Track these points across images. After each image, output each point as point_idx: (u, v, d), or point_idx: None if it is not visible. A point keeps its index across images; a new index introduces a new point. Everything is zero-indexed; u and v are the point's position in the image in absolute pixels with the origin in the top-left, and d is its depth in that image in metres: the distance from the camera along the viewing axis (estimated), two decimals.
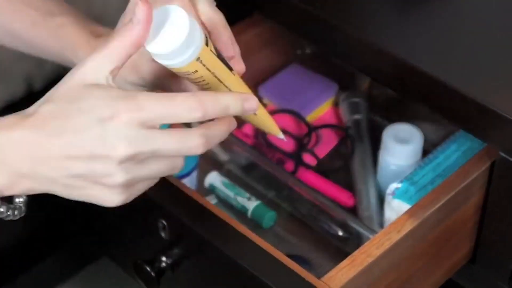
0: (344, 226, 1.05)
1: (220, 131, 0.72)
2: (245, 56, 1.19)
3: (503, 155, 0.94)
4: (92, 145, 0.70)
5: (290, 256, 0.88)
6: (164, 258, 0.92)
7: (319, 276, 0.86)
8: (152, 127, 0.69)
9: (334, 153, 1.18)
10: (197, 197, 0.92)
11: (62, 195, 0.74)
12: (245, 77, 1.23)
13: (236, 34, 1.16)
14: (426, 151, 1.10)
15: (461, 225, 1.00)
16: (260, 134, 1.17)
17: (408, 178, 1.01)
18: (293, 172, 1.13)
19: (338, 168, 1.16)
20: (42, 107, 0.71)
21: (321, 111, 1.23)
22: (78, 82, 0.71)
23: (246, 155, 1.12)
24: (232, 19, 1.17)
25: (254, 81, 1.24)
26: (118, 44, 0.71)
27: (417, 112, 1.13)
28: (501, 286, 1.05)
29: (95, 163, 0.70)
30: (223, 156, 1.15)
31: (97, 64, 0.71)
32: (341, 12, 1.05)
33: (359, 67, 1.04)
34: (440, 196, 0.94)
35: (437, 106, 0.97)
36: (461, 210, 0.98)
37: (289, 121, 1.20)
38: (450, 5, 1.04)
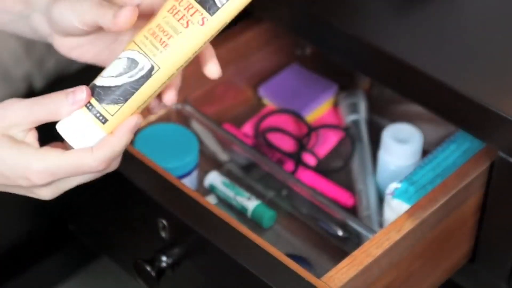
0: (344, 226, 1.05)
1: (114, 147, 0.75)
2: (245, 56, 1.20)
3: (503, 155, 0.94)
4: (10, 189, 0.78)
5: (290, 256, 0.88)
6: (164, 258, 0.92)
7: (319, 276, 0.86)
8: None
9: (334, 153, 1.19)
10: (197, 197, 0.92)
11: None
12: (245, 77, 1.23)
13: (236, 34, 1.17)
14: (425, 151, 1.10)
15: (461, 224, 1.00)
16: (260, 134, 1.18)
17: (408, 178, 1.02)
18: (293, 172, 1.13)
19: (338, 168, 1.16)
20: None
21: (321, 111, 1.23)
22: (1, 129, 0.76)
23: (246, 155, 1.12)
24: (232, 19, 1.18)
25: (254, 81, 1.24)
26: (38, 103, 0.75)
27: (416, 112, 1.13)
28: (500, 286, 1.05)
29: (19, 190, 0.78)
30: (223, 156, 1.15)
31: (14, 115, 0.75)
32: (341, 12, 1.05)
33: (359, 67, 1.05)
34: (440, 196, 0.94)
35: (436, 106, 0.97)
36: (461, 210, 0.98)
37: (289, 121, 1.20)
38: (450, 5, 1.05)
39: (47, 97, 0.76)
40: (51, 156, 0.75)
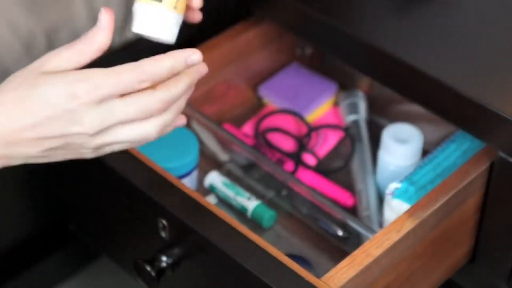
0: (343, 226, 1.05)
1: (178, 90, 0.79)
2: (245, 56, 1.20)
3: (503, 155, 0.94)
4: (61, 126, 0.76)
5: (290, 256, 0.88)
6: (164, 258, 0.92)
7: (319, 276, 0.86)
8: (110, 100, 0.76)
9: (334, 153, 1.19)
10: (197, 197, 0.92)
11: (38, 162, 0.80)
12: (245, 77, 1.23)
13: (236, 34, 1.17)
14: (425, 151, 1.10)
15: (461, 224, 1.00)
16: (260, 134, 1.18)
17: (408, 178, 1.02)
18: (293, 172, 1.14)
19: (338, 168, 1.16)
20: (6, 93, 0.77)
21: (321, 111, 1.23)
22: (37, 68, 0.78)
23: (246, 155, 1.12)
24: (232, 19, 1.18)
25: (254, 81, 1.24)
26: (84, 48, 0.78)
27: (416, 112, 1.13)
28: (500, 285, 1.05)
29: (67, 140, 0.77)
30: (223, 156, 1.15)
31: (61, 59, 0.78)
32: (341, 12, 1.05)
33: (359, 67, 1.05)
34: (440, 196, 0.94)
35: (436, 106, 0.97)
36: (461, 210, 0.98)
37: (289, 121, 1.20)
38: (450, 5, 1.05)
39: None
40: (99, 71, 0.76)
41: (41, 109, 0.76)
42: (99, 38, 0.79)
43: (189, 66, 0.79)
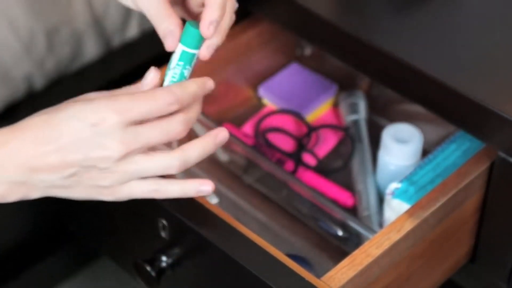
0: (343, 226, 1.05)
1: (196, 113, 0.81)
2: (245, 56, 1.20)
3: (503, 155, 0.94)
4: (86, 148, 0.75)
5: (290, 256, 0.88)
6: (164, 258, 0.92)
7: (319, 276, 0.86)
8: (136, 124, 0.76)
9: (334, 153, 1.19)
10: (197, 197, 0.92)
11: (61, 196, 0.77)
12: (245, 77, 1.23)
13: (236, 34, 1.17)
14: (425, 151, 1.10)
15: (461, 225, 1.00)
16: (260, 134, 1.18)
17: (408, 178, 1.02)
18: (293, 172, 1.14)
19: (338, 168, 1.16)
20: (33, 118, 0.76)
21: (321, 111, 1.23)
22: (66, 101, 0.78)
23: (246, 155, 1.12)
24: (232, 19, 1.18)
25: (254, 81, 1.24)
26: (125, 99, 0.77)
27: (416, 112, 1.13)
28: (500, 285, 1.05)
29: (89, 164, 0.75)
30: (223, 156, 1.15)
31: (98, 107, 0.76)
32: (341, 12, 1.05)
33: (359, 67, 1.05)
34: (440, 196, 0.94)
35: (436, 106, 0.97)
36: (461, 210, 0.98)
37: (289, 121, 1.20)
38: (450, 5, 1.05)
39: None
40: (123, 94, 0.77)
41: (67, 132, 0.75)
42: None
43: (207, 92, 0.83)
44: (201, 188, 0.81)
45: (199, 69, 1.06)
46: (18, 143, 0.74)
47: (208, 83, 0.83)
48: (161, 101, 0.76)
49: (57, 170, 0.75)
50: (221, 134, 0.82)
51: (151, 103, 0.76)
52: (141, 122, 0.77)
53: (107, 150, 0.75)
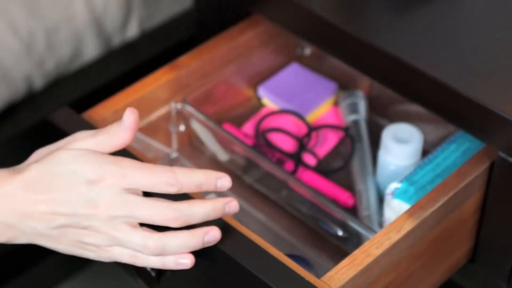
0: (343, 226, 1.05)
1: (197, 212, 0.80)
2: (245, 56, 1.20)
3: (502, 155, 0.94)
4: (77, 203, 0.76)
5: (290, 256, 0.88)
6: None
7: (319, 276, 0.86)
8: (131, 193, 0.77)
9: (334, 153, 1.19)
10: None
11: (46, 246, 0.80)
12: (245, 77, 1.23)
13: (236, 34, 1.17)
14: (425, 151, 1.10)
15: (461, 225, 1.00)
16: (260, 134, 1.18)
17: (408, 178, 1.02)
18: (293, 172, 1.13)
19: (338, 168, 1.16)
20: (32, 167, 0.77)
21: (321, 111, 1.23)
22: (61, 147, 0.79)
23: (246, 155, 1.12)
24: (232, 19, 1.18)
25: (254, 81, 1.24)
26: (106, 142, 0.79)
27: (416, 112, 1.13)
28: (500, 285, 1.05)
29: (76, 220, 0.77)
30: (223, 156, 1.15)
31: (83, 144, 0.79)
32: (341, 12, 1.05)
33: (359, 67, 1.05)
34: (440, 196, 0.94)
35: (436, 106, 0.97)
36: (461, 210, 0.98)
37: (289, 121, 1.20)
38: (450, 5, 1.05)
39: None
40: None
41: (62, 185, 0.76)
42: (122, 135, 0.79)
43: (217, 189, 0.81)
44: (180, 261, 0.82)
45: (199, 69, 1.06)
46: (14, 187, 0.77)
47: (230, 204, 0.82)
48: (161, 179, 0.77)
49: (46, 219, 0.77)
50: (211, 232, 0.81)
51: (152, 177, 0.77)
52: (136, 192, 0.78)
53: (95, 209, 0.76)
